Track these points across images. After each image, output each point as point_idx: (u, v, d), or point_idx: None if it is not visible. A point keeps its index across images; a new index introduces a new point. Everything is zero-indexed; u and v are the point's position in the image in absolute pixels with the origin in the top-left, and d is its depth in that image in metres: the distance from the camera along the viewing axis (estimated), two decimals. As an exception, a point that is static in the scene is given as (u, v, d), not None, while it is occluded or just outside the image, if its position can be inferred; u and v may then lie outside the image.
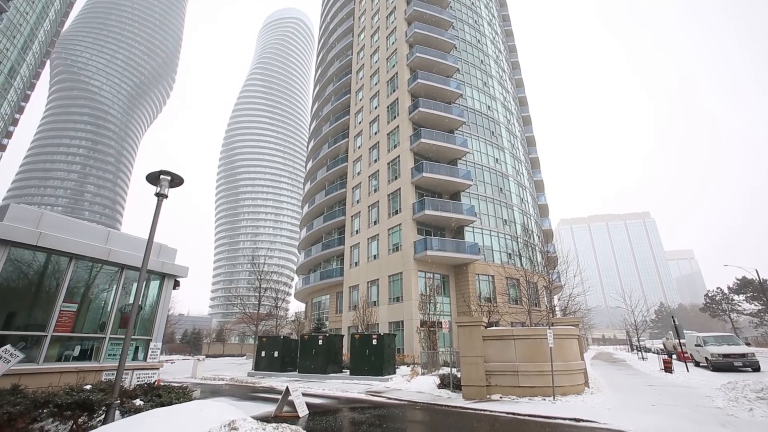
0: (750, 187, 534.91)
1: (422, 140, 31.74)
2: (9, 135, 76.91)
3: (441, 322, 23.66)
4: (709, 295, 66.76)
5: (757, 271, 38.17)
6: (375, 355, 19.57)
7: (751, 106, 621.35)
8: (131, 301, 10.35)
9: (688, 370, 19.75)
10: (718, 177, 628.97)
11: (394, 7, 40.84)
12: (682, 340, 24.05)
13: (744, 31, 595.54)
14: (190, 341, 67.64)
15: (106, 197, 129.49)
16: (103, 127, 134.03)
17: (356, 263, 35.76)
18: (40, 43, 77.62)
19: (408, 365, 23.25)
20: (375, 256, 33.42)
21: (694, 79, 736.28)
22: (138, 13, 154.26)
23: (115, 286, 10.20)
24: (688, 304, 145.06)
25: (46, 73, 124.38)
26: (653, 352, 42.86)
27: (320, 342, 21.85)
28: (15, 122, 77.79)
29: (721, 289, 64.45)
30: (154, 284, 11.44)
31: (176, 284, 12.20)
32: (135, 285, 10.51)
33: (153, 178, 8.11)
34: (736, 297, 60.26)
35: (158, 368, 10.98)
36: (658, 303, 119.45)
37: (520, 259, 28.06)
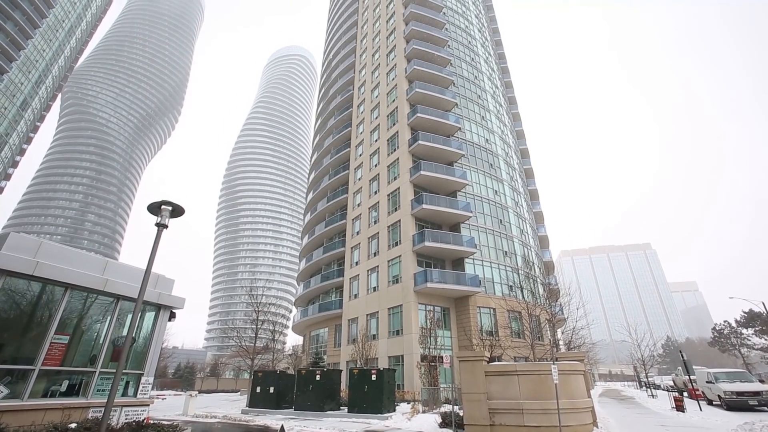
0: (751, 216, 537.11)
1: (422, 172, 32.15)
2: (15, 165, 78.23)
3: (442, 357, 22.98)
4: (717, 328, 65.24)
5: (764, 303, 37.46)
6: (374, 391, 18.84)
7: (754, 130, 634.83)
8: (125, 332, 10.12)
9: (701, 409, 18.95)
10: (719, 205, 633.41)
11: (394, 46, 42.66)
12: (692, 377, 23.25)
13: (752, 60, 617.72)
14: (183, 376, 65.40)
15: (106, 226, 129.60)
16: (108, 158, 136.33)
17: (355, 295, 35.22)
18: (53, 77, 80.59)
19: (408, 402, 22.35)
20: (374, 288, 32.97)
21: (700, 105, 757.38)
22: (149, 49, 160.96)
23: (109, 318, 9.99)
24: (695, 338, 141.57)
25: (56, 106, 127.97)
26: (663, 389, 41.37)
27: (317, 377, 21.10)
28: (22, 152, 79.34)
29: (728, 323, 63.07)
30: (150, 315, 11.22)
31: (172, 316, 11.96)
32: (130, 316, 10.30)
33: (154, 208, 8.13)
34: (744, 331, 58.82)
35: (148, 405, 10.54)
36: (665, 337, 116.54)
37: (522, 291, 27.64)
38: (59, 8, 75.54)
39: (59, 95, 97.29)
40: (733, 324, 61.29)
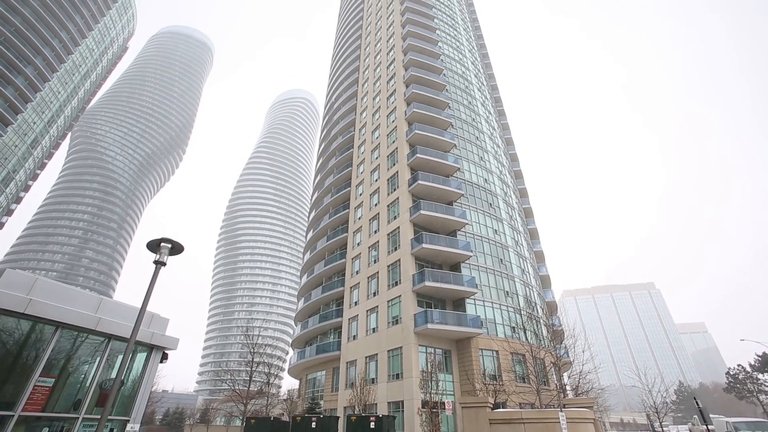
0: (751, 252, 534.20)
1: (422, 212, 32.34)
2: (18, 200, 78.93)
3: (444, 403, 21.94)
4: (731, 373, 62.85)
5: (775, 347, 36.24)
6: (372, 441, 17.79)
7: (758, 160, 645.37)
8: (113, 375, 9.73)
9: (719, 463, 17.77)
10: (721, 240, 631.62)
11: (395, 90, 44.51)
12: (710, 426, 22.04)
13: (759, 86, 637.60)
14: (171, 422, 62.11)
15: (102, 263, 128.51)
16: (111, 194, 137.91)
17: (354, 336, 34.23)
18: (65, 117, 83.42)
19: (409, 454, 21.01)
20: (374, 329, 32.11)
21: (705, 141, 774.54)
22: (159, 92, 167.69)
23: (98, 359, 9.63)
24: (709, 383, 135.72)
25: (65, 143, 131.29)
26: (679, 440, 39.02)
27: (313, 425, 20.03)
28: (27, 188, 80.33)
29: (742, 367, 60.84)
30: (141, 356, 10.84)
31: (164, 357, 11.56)
32: (120, 357, 9.95)
33: (153, 246, 8.11)
34: (760, 376, 56.57)
35: (132, 455, 9.91)
36: (677, 381, 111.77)
37: (525, 332, 26.93)
38: (78, 54, 79.68)
39: (69, 134, 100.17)
40: (748, 368, 59.11)
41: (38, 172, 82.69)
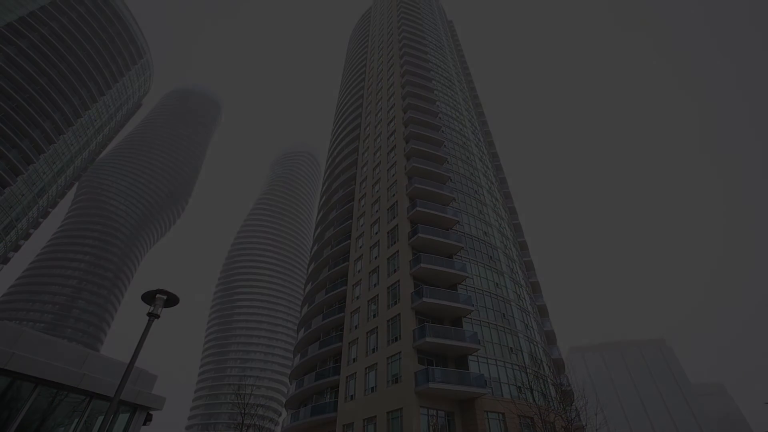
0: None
1: (422, 265, 32.06)
2: (17, 248, 78.48)
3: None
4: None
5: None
6: None
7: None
8: (90, 439, 9.04)
9: None
10: (726, 291, 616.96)
11: (395, 145, 46.23)
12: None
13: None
14: (148, 495, 56.43)
15: (94, 314, 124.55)
16: (110, 243, 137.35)
17: (352, 396, 32.30)
18: (75, 168, 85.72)
19: None
20: (373, 388, 30.40)
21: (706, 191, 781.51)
22: (167, 146, 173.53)
23: (76, 420, 9.01)
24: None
25: (71, 192, 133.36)
26: None
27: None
28: (27, 236, 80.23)
29: (768, 436, 56.60)
30: (123, 417, 10.14)
31: (148, 418, 10.82)
32: (101, 418, 9.32)
33: (149, 298, 7.93)
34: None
35: None
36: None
37: (532, 392, 25.46)
38: (94, 110, 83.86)
39: (76, 183, 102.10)
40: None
41: (41, 220, 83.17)
